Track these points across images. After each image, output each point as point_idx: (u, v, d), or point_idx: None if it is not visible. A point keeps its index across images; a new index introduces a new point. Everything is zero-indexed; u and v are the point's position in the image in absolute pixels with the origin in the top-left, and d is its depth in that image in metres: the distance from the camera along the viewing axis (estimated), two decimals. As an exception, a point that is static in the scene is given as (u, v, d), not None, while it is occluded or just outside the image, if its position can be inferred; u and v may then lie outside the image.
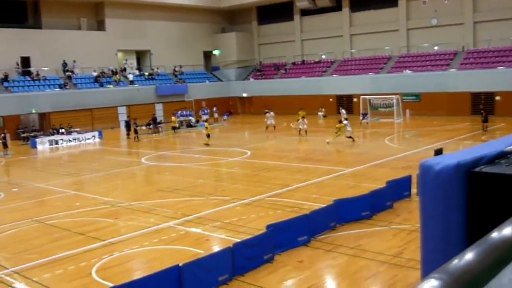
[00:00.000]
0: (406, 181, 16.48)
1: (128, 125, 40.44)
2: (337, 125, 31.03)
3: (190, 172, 23.90)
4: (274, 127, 37.85)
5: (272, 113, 38.35)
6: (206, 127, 33.48)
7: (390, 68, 48.93)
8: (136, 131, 37.22)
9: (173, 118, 43.49)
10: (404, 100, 44.64)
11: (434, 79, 44.38)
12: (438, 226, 3.31)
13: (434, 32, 48.66)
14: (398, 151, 25.89)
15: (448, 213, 3.25)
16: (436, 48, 48.42)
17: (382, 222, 13.92)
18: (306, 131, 34.12)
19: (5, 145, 33.56)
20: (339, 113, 41.68)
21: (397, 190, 15.81)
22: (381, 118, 42.28)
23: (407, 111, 44.36)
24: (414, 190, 16.35)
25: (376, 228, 13.43)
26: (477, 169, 3.23)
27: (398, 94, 43.73)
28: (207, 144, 31.48)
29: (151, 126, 41.94)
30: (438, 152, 4.43)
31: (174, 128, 42.20)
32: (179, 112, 46.35)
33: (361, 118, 40.81)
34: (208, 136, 32.37)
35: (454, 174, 3.21)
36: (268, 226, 11.92)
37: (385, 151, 26.20)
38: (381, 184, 16.59)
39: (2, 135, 34.05)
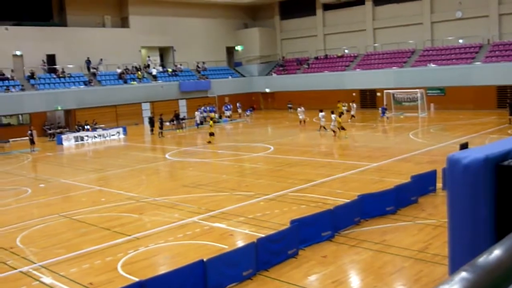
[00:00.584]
0: (431, 175, 16.26)
1: (152, 121, 40.79)
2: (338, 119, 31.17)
3: (214, 167, 24.03)
4: (304, 121, 38.39)
5: (302, 108, 39.08)
6: (211, 125, 32.84)
7: (414, 62, 48.37)
8: (161, 126, 37.49)
9: (196, 113, 43.79)
10: (428, 94, 44.15)
11: (459, 73, 43.72)
12: (466, 221, 3.27)
13: (458, 25, 47.90)
14: (422, 145, 25.56)
15: (476, 208, 3.21)
16: (461, 41, 47.66)
17: (407, 217, 13.77)
18: (323, 127, 33.70)
19: (32, 142, 34.07)
20: (345, 108, 41.80)
21: (422, 184, 15.60)
22: (405, 112, 41.85)
23: (432, 105, 43.80)
24: (439, 184, 16.17)
25: (401, 223, 13.28)
26: (506, 163, 3.18)
27: (422, 88, 43.24)
28: (210, 142, 31.23)
29: (174, 122, 42.21)
30: (464, 146, 4.39)
31: (196, 124, 42.31)
32: (202, 108, 46.51)
33: (380, 113, 40.48)
34: (211, 134, 31.97)
35: (482, 168, 3.16)
36: (292, 221, 11.88)
37: (409, 145, 25.91)
38: (405, 179, 16.40)
39: (29, 131, 34.45)
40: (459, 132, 29.51)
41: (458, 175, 3.25)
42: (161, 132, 37.32)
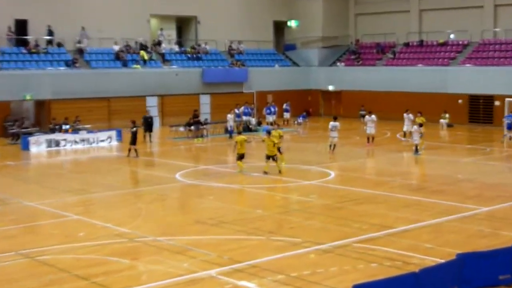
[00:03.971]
0: None
1: (149, 124, 40.10)
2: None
3: (245, 197, 23.90)
4: (373, 138, 37.33)
5: (373, 116, 37.66)
6: (239, 142, 29.02)
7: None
8: (133, 140, 33.82)
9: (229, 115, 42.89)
10: None
11: None
12: None
13: None
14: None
15: None
16: None
17: (530, 292, 13.51)
18: (417, 146, 33.47)
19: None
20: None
21: (556, 244, 15.24)
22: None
23: None
24: None
25: (520, 301, 13.07)
26: None
27: None
28: (240, 168, 29.04)
29: (192, 127, 42.35)
30: None
31: (228, 132, 42.04)
32: (242, 108, 46.33)
33: (505, 131, 39.59)
34: (240, 157, 28.97)
35: None
36: (356, 287, 11.71)
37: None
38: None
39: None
40: None
41: None
42: (133, 150, 33.83)
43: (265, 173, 28.18)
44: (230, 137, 40.30)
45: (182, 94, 51.02)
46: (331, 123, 34.75)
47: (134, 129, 33.80)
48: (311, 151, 36.69)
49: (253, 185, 26.50)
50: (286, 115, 51.38)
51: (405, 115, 39.65)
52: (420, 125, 34.07)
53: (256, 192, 25.08)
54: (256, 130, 44.86)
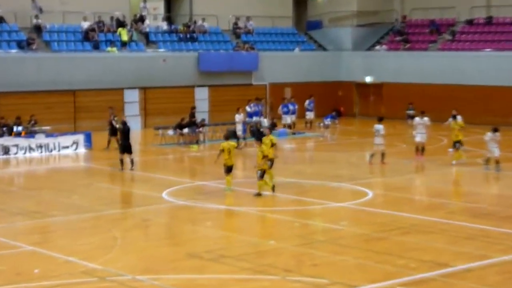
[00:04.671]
0: None
1: (113, 128, 39.55)
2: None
3: (253, 224, 23.87)
4: (423, 148, 37.32)
5: (425, 119, 37.51)
6: (226, 150, 29.08)
7: None
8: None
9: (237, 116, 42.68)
10: None
11: None
12: None
13: None
14: None
15: None
16: None
17: None
18: (489, 160, 33.38)
19: None
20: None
21: None
22: None
23: None
24: None
25: None
26: None
27: None
28: (229, 184, 29.18)
29: (185, 131, 42.37)
30: None
31: (236, 138, 41.27)
32: (253, 104, 46.27)
33: None
34: (228, 170, 29.16)
35: None
36: None
37: None
38: None
39: None
40: None
41: None
42: (126, 160, 34.55)
43: (258, 194, 27.99)
44: (238, 145, 39.15)
45: (172, 86, 51.41)
46: (376, 126, 34.88)
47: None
48: (343, 163, 36.88)
49: (264, 207, 26.40)
50: (309, 115, 51.34)
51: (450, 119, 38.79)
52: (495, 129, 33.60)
53: (267, 217, 25.08)
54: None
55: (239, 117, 42.55)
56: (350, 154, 39.79)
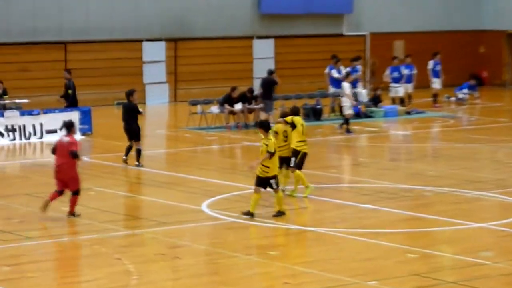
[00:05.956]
0: None
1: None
2: None
3: (345, 254, 19.50)
4: None
5: None
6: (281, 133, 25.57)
7: None
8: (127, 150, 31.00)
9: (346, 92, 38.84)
10: None
11: None
12: None
13: None
14: None
15: None
16: None
17: None
18: None
19: None
20: None
21: None
22: None
23: None
24: None
25: None
26: None
27: None
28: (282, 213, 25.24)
29: (238, 107, 37.58)
30: None
31: (344, 117, 37.40)
32: (341, 67, 40.67)
33: None
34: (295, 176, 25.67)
35: None
36: None
37: None
38: None
39: None
40: None
41: None
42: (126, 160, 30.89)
43: (279, 213, 22.49)
44: (346, 126, 36.31)
45: (217, 37, 45.87)
46: None
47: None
48: (486, 161, 32.77)
49: (361, 229, 21.71)
50: (435, 83, 44.18)
51: None
52: None
53: (368, 244, 20.14)
54: (372, 113, 40.67)
55: (346, 86, 36.57)
56: (497, 146, 35.20)
